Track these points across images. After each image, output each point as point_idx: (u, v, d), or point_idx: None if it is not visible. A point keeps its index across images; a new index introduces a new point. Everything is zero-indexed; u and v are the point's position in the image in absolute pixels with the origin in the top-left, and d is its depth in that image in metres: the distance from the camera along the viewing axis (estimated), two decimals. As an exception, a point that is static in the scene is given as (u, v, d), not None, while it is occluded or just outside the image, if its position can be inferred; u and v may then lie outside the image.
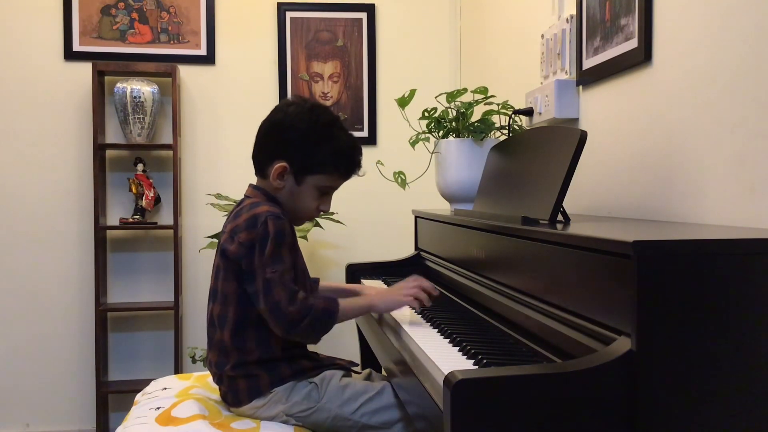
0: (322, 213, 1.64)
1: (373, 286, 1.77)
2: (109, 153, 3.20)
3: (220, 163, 3.28)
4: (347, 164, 1.58)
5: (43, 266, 3.17)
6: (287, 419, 1.49)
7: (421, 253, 2.30)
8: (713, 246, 0.97)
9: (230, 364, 1.49)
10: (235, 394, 1.49)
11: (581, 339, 1.05)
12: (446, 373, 0.92)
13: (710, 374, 0.94)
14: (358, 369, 1.70)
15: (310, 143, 1.53)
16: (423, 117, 2.15)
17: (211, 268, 1.57)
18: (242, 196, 1.62)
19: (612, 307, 1.00)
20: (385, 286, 2.03)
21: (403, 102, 2.17)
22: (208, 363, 1.57)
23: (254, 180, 1.62)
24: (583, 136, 1.34)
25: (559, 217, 1.38)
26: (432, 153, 2.17)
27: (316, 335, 1.46)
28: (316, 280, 1.78)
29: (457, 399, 0.89)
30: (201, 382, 1.68)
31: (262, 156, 1.58)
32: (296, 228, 2.93)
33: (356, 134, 3.36)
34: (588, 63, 1.89)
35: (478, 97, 2.14)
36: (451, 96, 2.13)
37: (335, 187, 1.61)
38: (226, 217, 1.62)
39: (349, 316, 1.52)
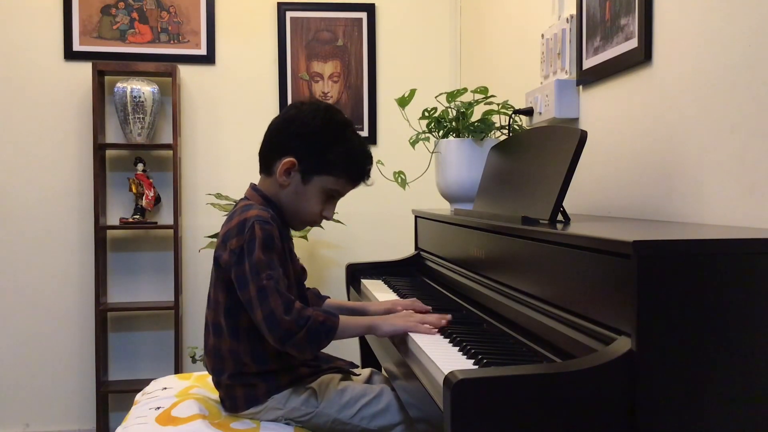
0: (324, 219, 1.58)
1: (381, 301, 1.70)
2: (109, 153, 3.20)
3: (220, 163, 3.28)
4: (357, 169, 1.54)
5: (43, 266, 3.17)
6: (288, 421, 1.49)
7: (421, 253, 2.30)
8: (713, 246, 0.97)
9: (227, 374, 1.47)
10: (233, 401, 1.49)
11: (581, 339, 1.05)
12: (446, 373, 0.92)
13: (710, 374, 0.94)
14: (357, 370, 1.69)
15: (323, 141, 1.50)
16: (423, 117, 2.15)
17: (210, 268, 1.57)
18: (243, 196, 1.60)
19: (612, 307, 1.00)
20: (387, 287, 2.03)
21: (403, 102, 2.17)
22: (205, 366, 1.56)
23: (255, 179, 1.59)
24: (583, 136, 1.34)
25: (559, 217, 1.38)
26: (432, 153, 2.17)
27: (311, 349, 1.39)
28: (317, 293, 1.76)
29: (457, 399, 0.89)
30: (201, 381, 1.68)
31: (270, 152, 1.54)
32: (296, 228, 2.93)
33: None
34: (588, 63, 1.89)
35: (478, 97, 2.14)
36: (451, 96, 2.13)
37: (342, 193, 1.56)
38: (225, 218, 1.60)
39: (349, 333, 1.44)
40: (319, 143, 1.50)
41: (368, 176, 1.57)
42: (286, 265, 1.48)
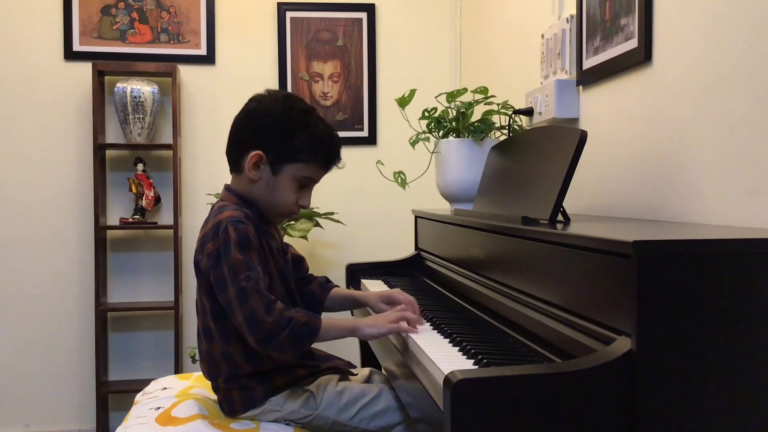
0: (302, 209, 1.55)
1: (379, 291, 1.68)
2: (109, 153, 3.20)
3: (220, 163, 3.22)
4: (325, 153, 1.51)
5: (43, 266, 3.17)
6: (287, 422, 1.48)
7: (421, 253, 2.30)
8: (713, 246, 0.97)
9: (223, 377, 1.46)
10: (230, 404, 1.48)
11: (581, 339, 1.05)
12: (446, 373, 0.92)
13: (710, 374, 0.94)
14: (356, 370, 1.69)
15: (286, 129, 1.48)
16: (423, 117, 2.15)
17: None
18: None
19: (612, 307, 1.00)
20: (387, 287, 2.03)
21: (403, 102, 2.17)
22: (202, 371, 1.56)
23: None
24: (583, 136, 1.34)
25: (559, 217, 1.38)
26: (432, 153, 2.17)
27: (293, 350, 1.37)
28: (324, 282, 1.73)
29: (457, 399, 0.89)
30: (201, 382, 1.68)
31: (236, 148, 1.53)
32: (296, 228, 2.93)
33: (356, 134, 3.40)
34: (588, 63, 1.89)
35: (478, 97, 2.14)
36: (451, 96, 2.13)
37: (315, 180, 1.54)
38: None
39: (331, 336, 1.41)
40: (283, 132, 1.48)
41: (339, 159, 1.55)
42: (266, 263, 1.45)
